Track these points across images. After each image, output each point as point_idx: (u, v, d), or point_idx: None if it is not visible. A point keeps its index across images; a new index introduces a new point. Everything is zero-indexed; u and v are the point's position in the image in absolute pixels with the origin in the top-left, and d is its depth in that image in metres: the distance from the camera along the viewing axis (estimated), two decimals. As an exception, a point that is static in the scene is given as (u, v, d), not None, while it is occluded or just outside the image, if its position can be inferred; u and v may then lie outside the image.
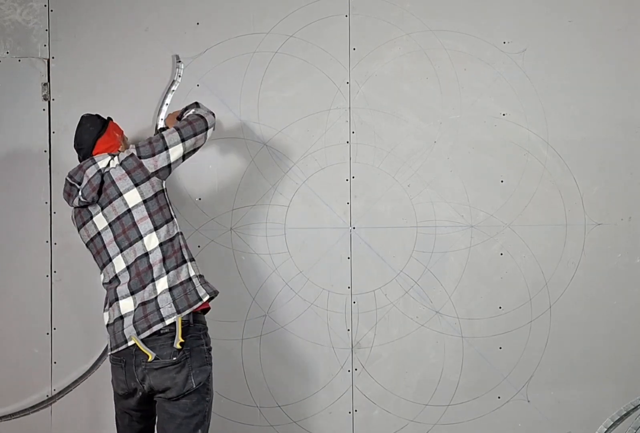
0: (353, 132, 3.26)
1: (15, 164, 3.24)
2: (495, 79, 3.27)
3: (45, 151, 3.25)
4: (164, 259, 2.63)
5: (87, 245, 2.77)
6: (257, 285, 3.24)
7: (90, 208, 2.71)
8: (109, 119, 2.90)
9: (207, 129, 2.81)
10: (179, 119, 2.93)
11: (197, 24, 3.26)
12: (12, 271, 3.24)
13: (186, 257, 2.70)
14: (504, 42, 3.27)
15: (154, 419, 2.73)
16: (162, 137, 2.73)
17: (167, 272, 2.63)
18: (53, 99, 3.25)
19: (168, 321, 2.57)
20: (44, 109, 3.25)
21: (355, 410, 3.27)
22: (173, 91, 3.24)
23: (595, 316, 3.27)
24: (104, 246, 2.69)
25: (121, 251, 2.65)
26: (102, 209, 2.68)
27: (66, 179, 2.76)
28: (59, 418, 3.24)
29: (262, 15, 3.25)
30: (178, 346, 2.55)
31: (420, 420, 3.27)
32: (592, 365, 3.27)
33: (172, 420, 2.58)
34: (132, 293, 2.62)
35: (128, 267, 2.64)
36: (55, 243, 3.24)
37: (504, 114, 3.27)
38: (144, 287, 2.61)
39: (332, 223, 3.27)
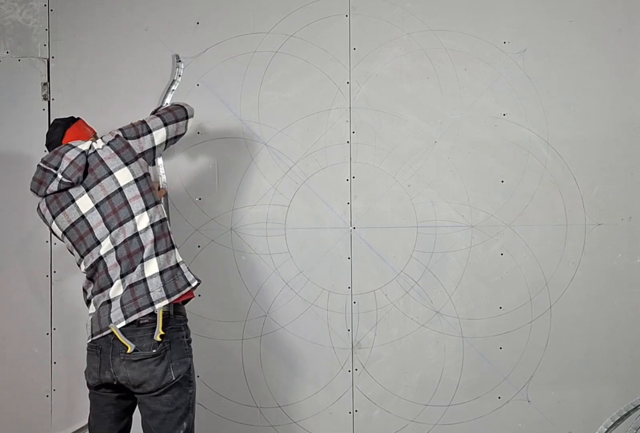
0: (353, 132, 3.26)
1: (15, 164, 3.24)
2: (496, 79, 3.27)
3: (45, 151, 3.23)
4: (155, 241, 2.56)
5: (65, 232, 2.63)
6: (257, 285, 3.24)
7: (71, 191, 2.60)
8: (79, 118, 2.85)
9: (187, 117, 2.80)
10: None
11: (197, 23, 3.26)
12: (12, 271, 3.24)
13: (174, 242, 2.65)
14: (505, 42, 3.27)
15: (129, 420, 2.67)
16: (144, 122, 2.71)
17: (157, 254, 2.56)
18: (53, 99, 3.25)
19: (157, 306, 2.51)
20: (43, 109, 3.25)
21: (356, 410, 3.27)
22: (173, 90, 3.23)
23: (596, 316, 3.27)
24: (91, 229, 2.58)
25: (110, 232, 2.56)
26: (88, 190, 2.58)
27: (39, 165, 2.65)
28: None
29: (263, 15, 3.25)
30: (158, 339, 2.49)
31: (420, 420, 3.26)
32: (593, 365, 3.27)
33: (155, 416, 2.53)
34: (122, 276, 2.55)
35: (116, 247, 2.56)
36: (55, 243, 3.23)
37: (504, 114, 3.27)
38: (134, 269, 2.54)
39: (333, 223, 3.27)
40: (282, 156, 3.26)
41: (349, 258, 3.26)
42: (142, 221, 2.57)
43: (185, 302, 2.67)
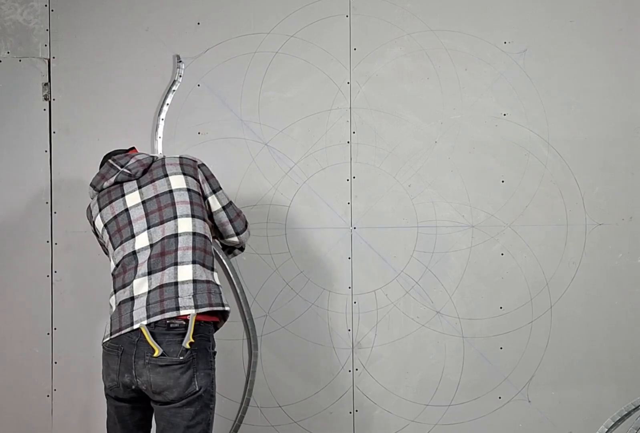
0: (354, 133, 3.27)
1: (16, 164, 3.24)
2: (496, 79, 3.27)
3: (45, 151, 3.25)
4: (194, 249, 2.48)
5: (106, 225, 2.59)
6: (257, 285, 3.24)
7: (125, 186, 2.61)
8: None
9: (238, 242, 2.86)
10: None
11: (198, 24, 3.26)
12: (12, 271, 3.24)
13: (214, 267, 2.55)
14: (505, 42, 3.27)
15: (148, 424, 2.56)
16: (244, 219, 2.81)
17: (194, 262, 2.46)
18: (54, 99, 3.25)
19: (182, 312, 2.38)
20: (44, 109, 3.25)
21: (356, 410, 3.27)
22: (174, 90, 3.24)
23: (596, 316, 3.27)
24: (129, 223, 2.53)
25: (148, 228, 2.51)
26: (140, 187, 2.59)
27: (108, 162, 2.67)
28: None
29: (263, 15, 3.26)
30: (187, 346, 2.36)
31: (421, 420, 3.26)
32: (593, 365, 3.27)
33: (173, 429, 2.39)
34: (149, 273, 2.44)
35: (151, 245, 2.48)
36: (55, 243, 3.24)
37: (504, 114, 3.27)
38: (163, 269, 2.44)
39: (333, 223, 3.27)
40: (283, 156, 3.26)
41: (349, 258, 3.26)
42: (185, 224, 2.51)
43: (211, 325, 2.52)
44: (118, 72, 3.25)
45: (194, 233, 2.51)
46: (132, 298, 2.45)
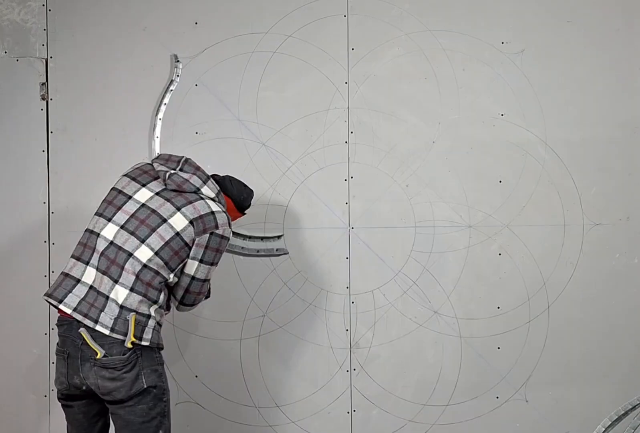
0: (352, 133, 3.26)
1: (14, 164, 3.24)
2: (494, 79, 3.27)
3: (43, 151, 3.25)
4: (138, 278, 2.44)
5: (113, 188, 2.58)
6: (255, 285, 3.24)
7: (153, 182, 2.57)
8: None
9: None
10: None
11: (196, 23, 3.26)
12: (10, 271, 3.23)
13: (160, 301, 2.49)
14: (503, 43, 3.27)
15: (105, 421, 2.60)
16: (198, 299, 2.65)
17: (132, 290, 2.44)
18: (51, 99, 3.25)
19: (98, 327, 2.40)
20: (42, 109, 3.25)
21: (354, 410, 3.27)
22: (171, 90, 3.23)
23: (594, 316, 3.28)
24: (120, 207, 2.50)
25: (122, 226, 2.47)
26: (157, 194, 2.52)
27: (161, 172, 2.57)
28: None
29: (261, 15, 3.25)
30: (129, 345, 2.40)
31: (418, 420, 3.27)
32: (590, 365, 3.27)
33: (128, 426, 2.45)
34: (97, 269, 2.46)
35: (111, 243, 2.47)
36: (53, 243, 3.23)
37: (502, 115, 3.28)
38: (104, 274, 2.44)
39: (331, 223, 3.27)
40: (281, 156, 3.26)
41: (347, 258, 3.26)
42: (143, 254, 2.46)
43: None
44: (116, 71, 3.25)
45: (145, 265, 2.46)
46: (79, 281, 2.47)
